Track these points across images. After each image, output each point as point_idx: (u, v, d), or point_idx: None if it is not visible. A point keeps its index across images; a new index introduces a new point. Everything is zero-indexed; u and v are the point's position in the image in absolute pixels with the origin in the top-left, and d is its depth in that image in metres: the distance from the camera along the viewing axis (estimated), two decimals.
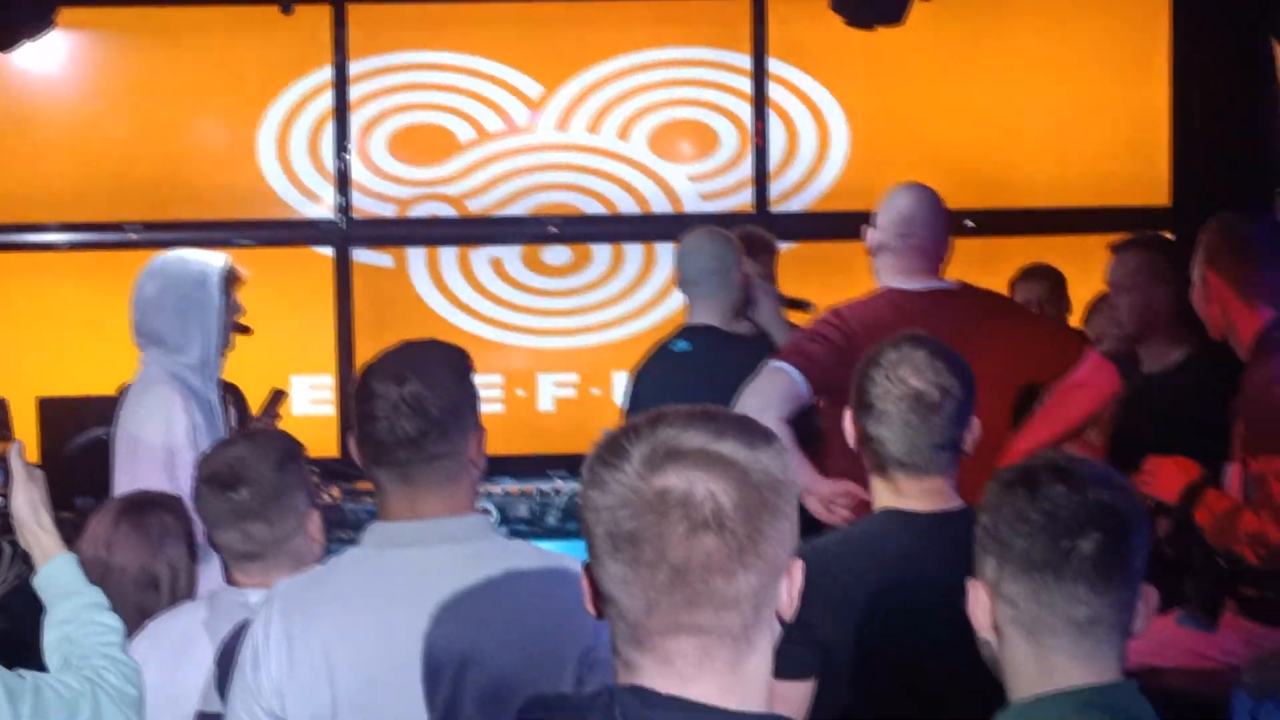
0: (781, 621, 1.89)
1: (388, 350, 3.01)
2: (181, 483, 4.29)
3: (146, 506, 3.63)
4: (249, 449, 3.32)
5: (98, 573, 3.58)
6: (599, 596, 1.88)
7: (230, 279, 4.84)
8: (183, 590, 3.54)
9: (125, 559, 3.56)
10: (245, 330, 6.61)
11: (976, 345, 4.36)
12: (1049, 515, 2.30)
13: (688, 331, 5.40)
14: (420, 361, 2.95)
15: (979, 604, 2.36)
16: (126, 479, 4.52)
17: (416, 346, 3.03)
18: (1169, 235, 6.96)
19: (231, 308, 4.87)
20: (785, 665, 2.02)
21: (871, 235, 4.68)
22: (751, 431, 1.87)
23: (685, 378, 5.22)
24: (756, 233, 6.48)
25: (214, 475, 3.30)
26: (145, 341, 4.76)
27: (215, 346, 4.77)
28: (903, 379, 3.08)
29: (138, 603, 3.52)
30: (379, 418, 2.88)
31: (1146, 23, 7.66)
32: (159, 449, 4.51)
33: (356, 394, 2.94)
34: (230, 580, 3.36)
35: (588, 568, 1.89)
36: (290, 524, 3.32)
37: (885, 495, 3.16)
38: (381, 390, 2.90)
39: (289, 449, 3.37)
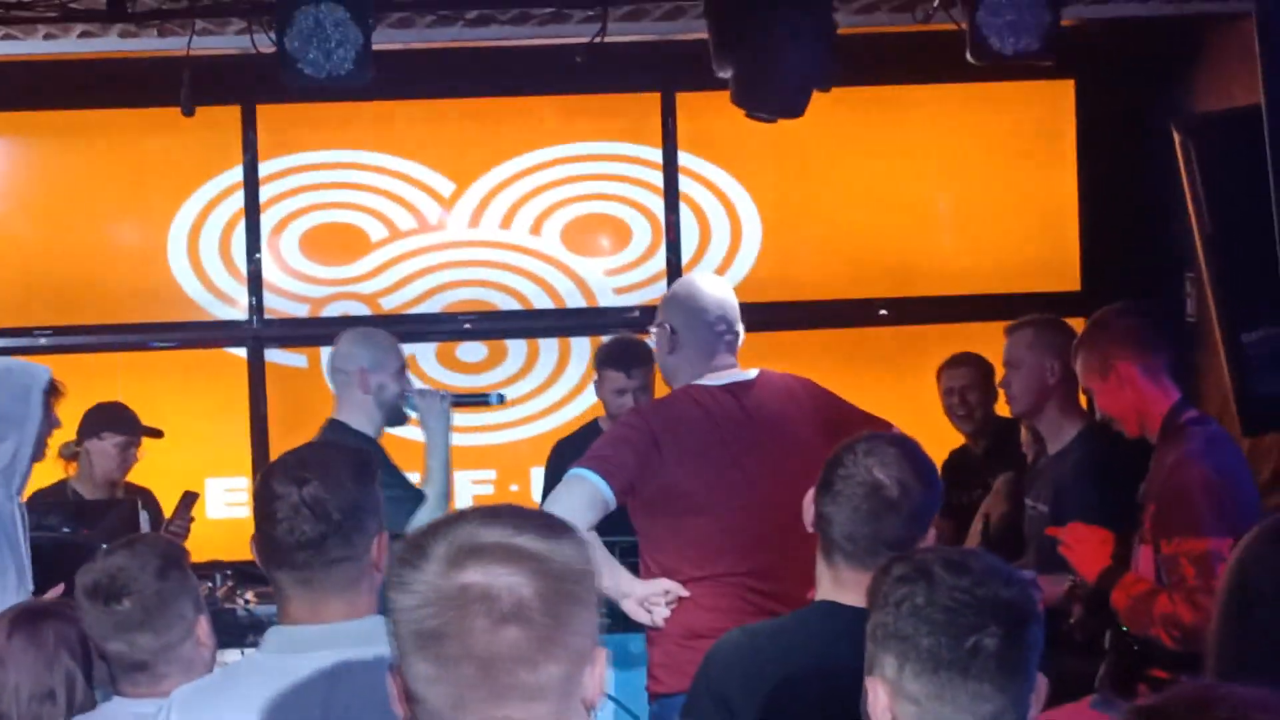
0: (589, 708, 1.90)
1: (290, 451, 2.98)
2: None
3: (41, 617, 3.57)
4: (129, 559, 3.28)
5: None
6: (408, 697, 1.89)
7: (51, 393, 4.80)
8: (79, 699, 3.48)
9: (20, 673, 3.50)
10: (157, 434, 6.58)
11: (782, 432, 4.44)
12: (950, 611, 2.29)
13: (326, 425, 5.36)
14: (321, 463, 2.94)
15: (878, 702, 2.34)
16: None
17: (319, 447, 3.04)
18: (1080, 320, 7.03)
19: (51, 422, 4.83)
20: None
21: (664, 335, 4.66)
22: (550, 524, 1.91)
23: None
24: (630, 344, 6.24)
25: (96, 587, 3.27)
26: None
27: (27, 459, 4.71)
28: (868, 467, 3.08)
29: (35, 715, 3.46)
30: (279, 519, 2.86)
31: (1052, 110, 7.75)
32: None
33: (256, 494, 2.92)
34: (119, 691, 3.31)
35: (394, 670, 1.91)
36: (178, 632, 3.29)
37: (826, 585, 3.15)
38: (282, 491, 2.88)
39: (171, 555, 3.34)
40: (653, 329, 4.73)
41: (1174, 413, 4.52)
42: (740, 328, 4.63)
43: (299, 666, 2.80)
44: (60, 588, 3.40)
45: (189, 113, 5.81)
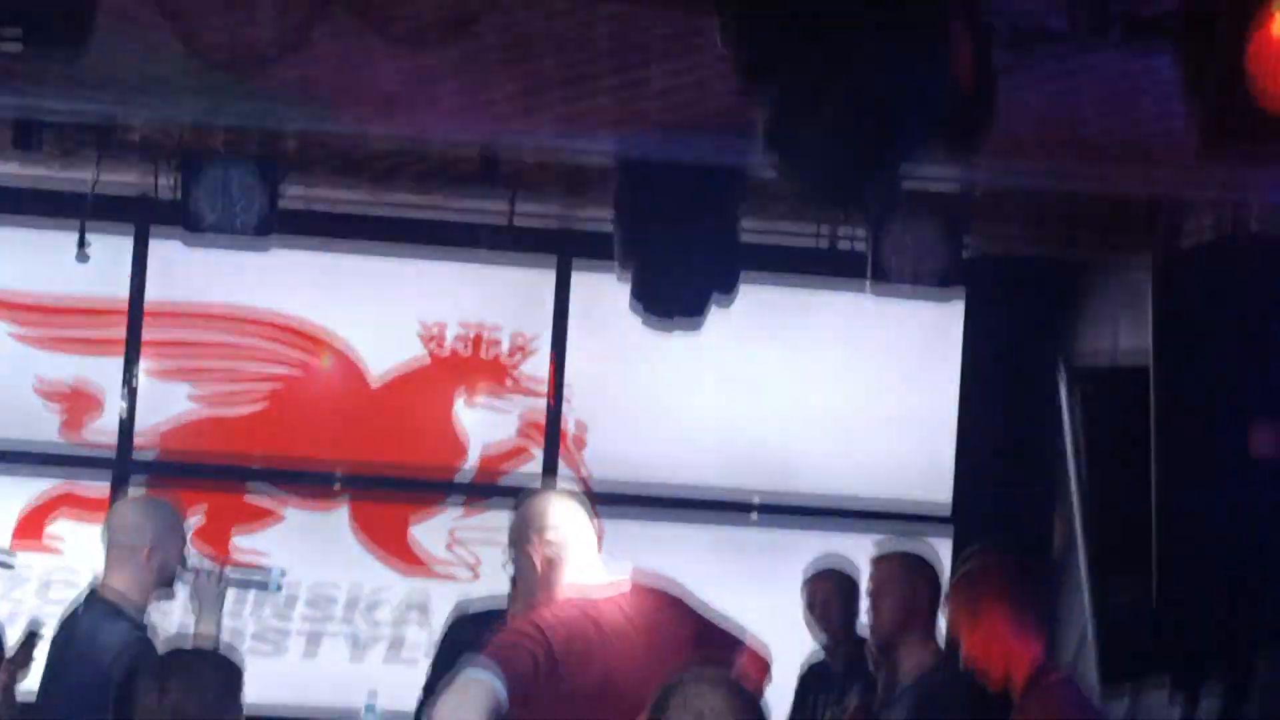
0: None
1: (161, 654, 2.97)
2: None
3: None
4: None
5: None
6: None
7: None
8: None
9: None
10: (7, 564, 6.42)
11: (654, 645, 4.47)
12: None
13: (92, 599, 5.19)
14: (184, 671, 2.91)
15: None
16: None
17: (185, 655, 2.99)
18: (947, 539, 7.12)
19: None
20: None
21: (527, 568, 4.65)
22: None
23: (59, 643, 5.12)
24: None
25: None
26: None
27: None
28: (697, 711, 3.09)
29: None
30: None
31: (940, 324, 7.83)
32: None
33: (116, 695, 2.90)
34: None
35: None
36: None
37: None
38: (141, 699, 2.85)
39: None
40: (509, 570, 4.73)
41: (1041, 669, 4.56)
42: (582, 522, 4.67)
43: None
44: None
45: (82, 260, 5.75)
